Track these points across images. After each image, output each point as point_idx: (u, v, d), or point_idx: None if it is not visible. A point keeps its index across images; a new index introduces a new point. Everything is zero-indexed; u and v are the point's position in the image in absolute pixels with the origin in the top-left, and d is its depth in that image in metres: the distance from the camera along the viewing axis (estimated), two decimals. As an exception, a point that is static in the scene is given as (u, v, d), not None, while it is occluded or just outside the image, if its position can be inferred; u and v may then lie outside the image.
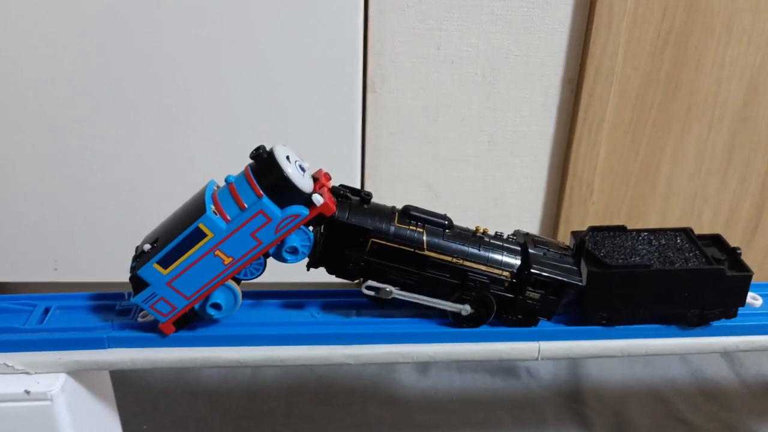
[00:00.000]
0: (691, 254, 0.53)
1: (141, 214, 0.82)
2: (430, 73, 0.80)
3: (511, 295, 0.51)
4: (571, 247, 0.55)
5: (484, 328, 0.52)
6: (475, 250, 0.51)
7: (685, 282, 0.51)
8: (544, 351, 0.52)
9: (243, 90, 0.76)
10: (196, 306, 0.49)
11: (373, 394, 0.86)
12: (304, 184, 0.47)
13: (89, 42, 0.73)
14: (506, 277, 0.51)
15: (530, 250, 0.51)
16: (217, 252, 0.47)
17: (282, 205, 0.46)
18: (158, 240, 0.48)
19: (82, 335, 0.50)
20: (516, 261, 0.51)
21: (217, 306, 0.49)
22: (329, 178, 0.50)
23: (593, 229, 0.56)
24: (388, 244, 0.49)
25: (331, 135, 0.79)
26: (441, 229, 0.51)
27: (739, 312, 0.53)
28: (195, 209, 0.47)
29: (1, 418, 0.48)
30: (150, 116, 0.77)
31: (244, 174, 0.47)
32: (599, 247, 0.54)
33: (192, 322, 0.51)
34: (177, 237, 0.46)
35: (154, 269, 0.47)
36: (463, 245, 0.50)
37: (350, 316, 0.54)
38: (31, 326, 0.51)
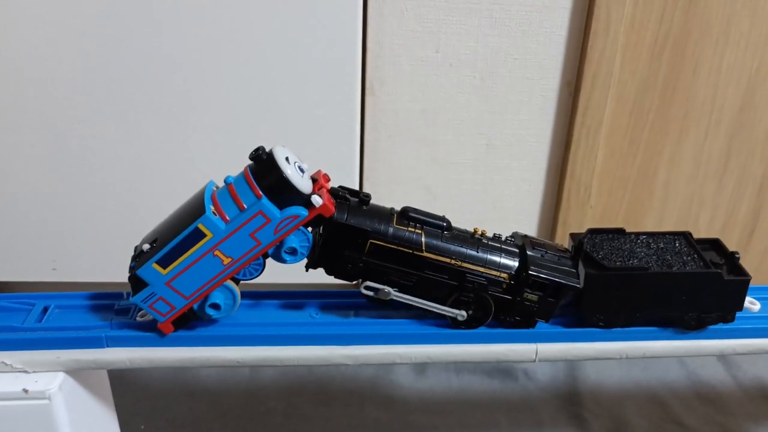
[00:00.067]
0: (689, 258, 0.53)
1: (140, 214, 0.82)
2: (428, 75, 0.80)
3: (509, 297, 0.51)
4: (570, 249, 0.55)
5: (481, 330, 0.52)
6: (473, 252, 0.51)
7: (682, 285, 0.51)
8: (541, 353, 0.53)
9: (242, 90, 0.76)
10: (195, 306, 0.49)
11: (370, 395, 0.87)
12: (303, 185, 0.47)
13: (89, 42, 0.73)
14: (504, 278, 0.51)
15: (528, 252, 0.52)
16: (216, 252, 0.47)
17: (281, 206, 0.47)
18: (157, 240, 0.48)
19: (81, 334, 0.50)
20: (514, 263, 0.52)
21: (216, 306, 0.49)
22: (328, 179, 0.50)
23: (592, 232, 0.56)
24: (387, 245, 0.49)
25: (330, 136, 0.79)
26: (439, 231, 0.51)
27: (736, 315, 0.54)
28: (194, 209, 0.47)
29: (-1, 416, 0.48)
30: (150, 116, 0.77)
31: (244, 175, 0.47)
32: (597, 249, 0.54)
33: (191, 322, 0.51)
34: (176, 237, 0.46)
35: (153, 269, 0.47)
36: (461, 247, 0.51)
37: (348, 317, 0.54)
38: (29, 325, 0.51)
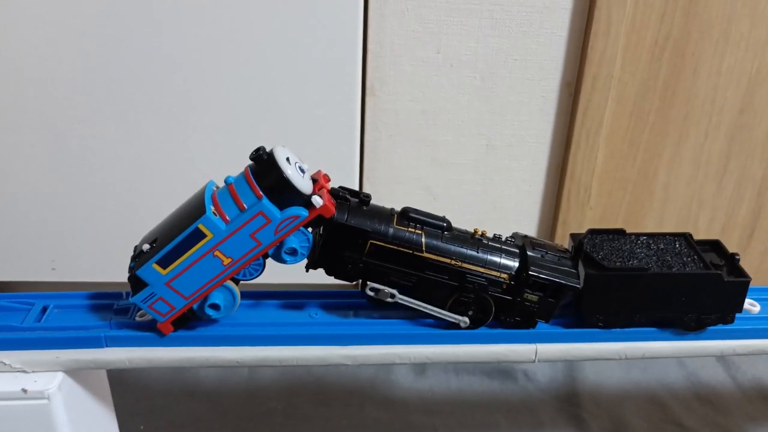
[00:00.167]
0: (689, 259, 0.53)
1: (140, 214, 0.82)
2: (429, 76, 0.80)
3: (509, 297, 0.51)
4: (570, 249, 0.55)
5: (481, 330, 0.52)
6: (473, 252, 0.51)
7: (682, 286, 0.51)
8: (541, 353, 0.53)
9: (242, 90, 0.76)
10: (195, 306, 0.49)
11: (370, 396, 0.86)
12: (304, 185, 0.47)
13: (89, 42, 0.73)
14: (504, 279, 0.51)
15: (528, 253, 0.52)
16: (217, 252, 0.47)
17: (281, 206, 0.46)
18: (157, 240, 0.48)
19: (80, 334, 0.50)
20: (514, 263, 0.52)
21: (215, 306, 0.49)
22: (328, 180, 0.50)
23: (592, 232, 0.56)
24: (387, 245, 0.49)
25: (330, 136, 0.79)
26: (440, 231, 0.51)
27: (736, 317, 0.54)
28: (194, 210, 0.47)
29: (-2, 416, 0.48)
30: (150, 116, 0.77)
31: (244, 175, 0.47)
32: (597, 249, 0.54)
33: (190, 322, 0.51)
34: (176, 237, 0.46)
35: (153, 269, 0.47)
36: (461, 247, 0.51)
37: (348, 317, 0.54)
38: (28, 325, 0.51)
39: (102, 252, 0.84)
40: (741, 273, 0.53)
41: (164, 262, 0.47)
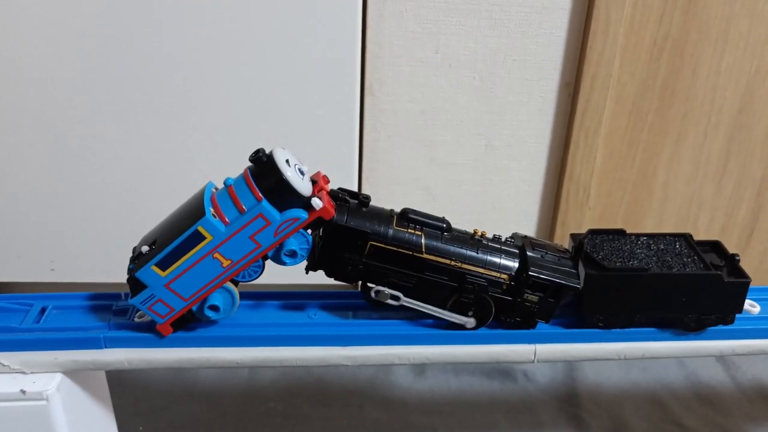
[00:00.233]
0: (689, 259, 0.53)
1: (140, 214, 0.82)
2: (427, 76, 0.80)
3: (509, 298, 0.51)
4: (570, 250, 0.55)
5: (480, 331, 0.52)
6: (473, 253, 0.51)
7: (682, 287, 0.52)
8: (540, 353, 0.53)
9: (242, 91, 0.76)
10: (194, 308, 0.49)
11: (370, 396, 0.86)
12: (304, 187, 0.47)
13: (89, 42, 0.73)
14: (504, 279, 0.51)
15: (528, 253, 0.52)
16: (216, 255, 0.47)
17: (281, 208, 0.46)
18: (156, 242, 0.48)
19: (79, 335, 0.50)
20: (514, 264, 0.52)
21: (215, 308, 0.49)
22: (327, 181, 0.50)
23: (592, 232, 0.56)
24: (387, 247, 0.49)
25: (330, 136, 0.79)
26: (439, 232, 0.51)
27: (735, 317, 0.54)
28: (194, 211, 0.47)
29: (-2, 417, 0.48)
30: (150, 116, 0.77)
31: (243, 177, 0.47)
32: (598, 250, 0.54)
33: (190, 323, 0.51)
34: (176, 239, 0.46)
35: (152, 271, 0.47)
36: (461, 248, 0.51)
37: (347, 318, 0.54)
38: (27, 326, 0.51)
39: (101, 252, 0.84)
40: (741, 274, 0.53)
41: (163, 264, 0.47)
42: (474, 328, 0.52)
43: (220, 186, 0.49)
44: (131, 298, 0.48)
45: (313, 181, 0.49)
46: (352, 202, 0.50)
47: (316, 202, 0.46)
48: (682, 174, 0.89)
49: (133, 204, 0.82)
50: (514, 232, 0.56)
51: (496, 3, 0.76)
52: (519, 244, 0.53)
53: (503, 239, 0.54)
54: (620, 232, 0.56)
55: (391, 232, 0.49)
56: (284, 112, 0.78)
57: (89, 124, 0.77)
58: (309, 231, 0.49)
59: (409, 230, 0.50)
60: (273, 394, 0.86)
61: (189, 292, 0.48)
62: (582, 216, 0.89)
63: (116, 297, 0.54)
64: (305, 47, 0.74)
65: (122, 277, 0.49)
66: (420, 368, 0.91)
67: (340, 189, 0.51)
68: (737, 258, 0.54)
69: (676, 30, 0.80)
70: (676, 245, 0.55)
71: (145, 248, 0.48)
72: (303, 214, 0.47)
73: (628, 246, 0.55)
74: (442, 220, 0.51)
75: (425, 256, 0.50)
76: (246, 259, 0.47)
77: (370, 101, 0.81)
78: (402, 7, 0.76)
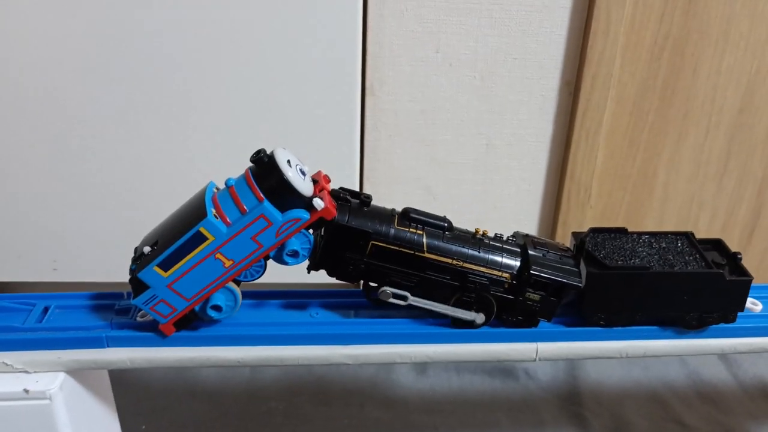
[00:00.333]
0: (691, 258, 0.53)
1: (140, 214, 0.82)
2: (428, 76, 0.80)
3: (511, 297, 0.51)
4: (571, 248, 0.55)
5: (482, 329, 0.52)
6: (474, 252, 0.51)
7: (684, 285, 0.52)
8: (542, 352, 0.53)
9: (242, 90, 0.76)
10: (197, 307, 0.49)
11: (371, 395, 0.87)
12: (305, 188, 0.47)
13: (89, 42, 0.73)
14: (506, 278, 0.51)
15: (530, 252, 0.52)
16: (218, 255, 0.47)
17: (283, 208, 0.46)
18: (158, 242, 0.48)
19: (81, 334, 0.50)
20: (516, 262, 0.52)
21: (217, 308, 0.49)
22: (328, 180, 0.50)
23: (594, 231, 0.56)
24: (389, 246, 0.49)
25: (330, 136, 0.79)
26: (441, 232, 0.51)
27: (737, 316, 0.54)
28: (195, 212, 0.47)
29: (0, 416, 0.48)
30: (150, 116, 0.77)
31: (245, 177, 0.47)
32: (599, 248, 0.54)
33: (192, 323, 0.51)
34: (178, 240, 0.46)
35: (154, 272, 0.47)
36: (462, 247, 0.51)
37: (349, 317, 0.54)
38: (30, 325, 0.51)
39: (103, 252, 0.84)
40: (743, 272, 0.53)
41: (166, 265, 0.47)
42: (482, 324, 0.52)
43: (221, 186, 0.49)
44: (134, 298, 0.48)
45: (314, 181, 0.49)
46: (353, 201, 0.50)
47: (318, 203, 0.46)
48: (683, 173, 0.89)
49: (133, 204, 0.82)
50: (516, 230, 0.56)
51: (497, 2, 0.76)
52: (520, 243, 0.53)
53: (505, 238, 0.54)
54: (622, 231, 0.56)
55: (392, 231, 0.49)
56: (285, 112, 0.78)
57: (89, 124, 0.77)
58: (311, 231, 0.49)
59: (411, 229, 0.50)
60: (274, 393, 0.86)
61: (191, 292, 0.48)
62: (583, 215, 0.89)
63: (118, 296, 0.54)
64: (306, 47, 0.74)
65: (124, 277, 0.49)
66: (421, 367, 0.91)
67: (341, 189, 0.51)
68: (739, 256, 0.54)
69: (676, 30, 0.80)
70: (677, 243, 0.55)
71: (147, 249, 0.48)
72: (305, 215, 0.47)
73: (630, 244, 0.55)
74: (444, 219, 0.51)
75: (427, 255, 0.50)
76: (248, 260, 0.47)
77: (371, 101, 0.81)
78: (402, 7, 0.76)
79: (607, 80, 0.80)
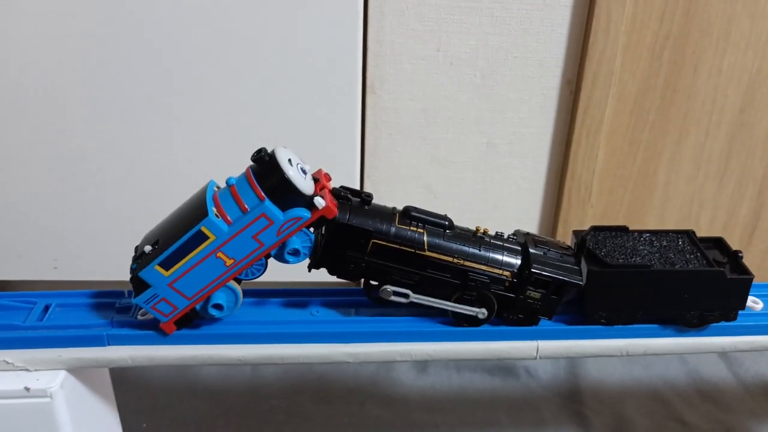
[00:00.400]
0: (692, 256, 0.53)
1: (141, 213, 0.82)
2: (429, 74, 0.80)
3: (512, 295, 0.51)
4: (572, 246, 0.55)
5: (482, 327, 0.53)
6: (475, 251, 0.51)
7: (685, 283, 0.52)
8: (542, 350, 0.53)
9: (243, 90, 0.76)
10: (198, 306, 0.49)
11: (372, 393, 0.87)
12: (306, 186, 0.47)
13: (89, 41, 0.73)
14: (507, 276, 0.51)
15: (531, 250, 0.52)
16: (219, 254, 0.47)
17: (284, 207, 0.46)
18: (159, 241, 0.48)
19: (82, 333, 0.50)
20: (516, 261, 0.52)
21: (218, 306, 0.49)
22: (329, 179, 0.50)
23: (595, 229, 0.56)
24: (389, 245, 0.49)
25: (331, 135, 0.79)
26: (441, 230, 0.51)
27: (738, 314, 0.54)
28: (196, 211, 0.47)
29: (1, 414, 0.48)
30: (150, 116, 0.77)
31: (246, 176, 0.47)
32: (600, 246, 0.54)
33: (193, 321, 0.51)
34: (179, 239, 0.46)
35: (155, 271, 0.47)
36: (463, 245, 0.51)
37: (350, 315, 0.54)
38: (31, 323, 0.51)
39: (103, 251, 0.84)
40: (744, 270, 0.53)
41: (167, 264, 0.47)
42: (470, 320, 0.52)
43: (222, 185, 0.49)
44: (135, 297, 0.48)
45: (315, 180, 0.49)
46: (354, 200, 0.50)
47: (319, 201, 0.46)
48: (684, 172, 0.89)
49: (134, 203, 0.82)
50: (517, 229, 0.56)
51: (498, 0, 0.76)
52: (521, 242, 0.53)
53: (505, 236, 0.54)
54: (623, 229, 0.56)
55: (393, 230, 0.49)
56: (285, 110, 0.78)
57: (89, 124, 0.77)
58: (311, 229, 0.49)
59: (412, 228, 0.50)
60: (276, 391, 0.86)
61: (192, 291, 0.48)
62: (584, 214, 0.89)
63: (119, 295, 0.54)
64: (306, 46, 0.74)
65: (124, 276, 0.49)
66: (422, 365, 0.91)
67: (342, 187, 0.51)
68: (740, 254, 0.54)
69: (677, 29, 0.80)
70: (678, 242, 0.55)
71: (147, 248, 0.48)
72: (306, 214, 0.47)
73: (631, 243, 0.55)
74: (445, 217, 0.51)
75: (428, 253, 0.50)
76: (249, 258, 0.47)
77: (372, 99, 0.81)
78: (403, 5, 0.76)
79: (608, 79, 0.80)
